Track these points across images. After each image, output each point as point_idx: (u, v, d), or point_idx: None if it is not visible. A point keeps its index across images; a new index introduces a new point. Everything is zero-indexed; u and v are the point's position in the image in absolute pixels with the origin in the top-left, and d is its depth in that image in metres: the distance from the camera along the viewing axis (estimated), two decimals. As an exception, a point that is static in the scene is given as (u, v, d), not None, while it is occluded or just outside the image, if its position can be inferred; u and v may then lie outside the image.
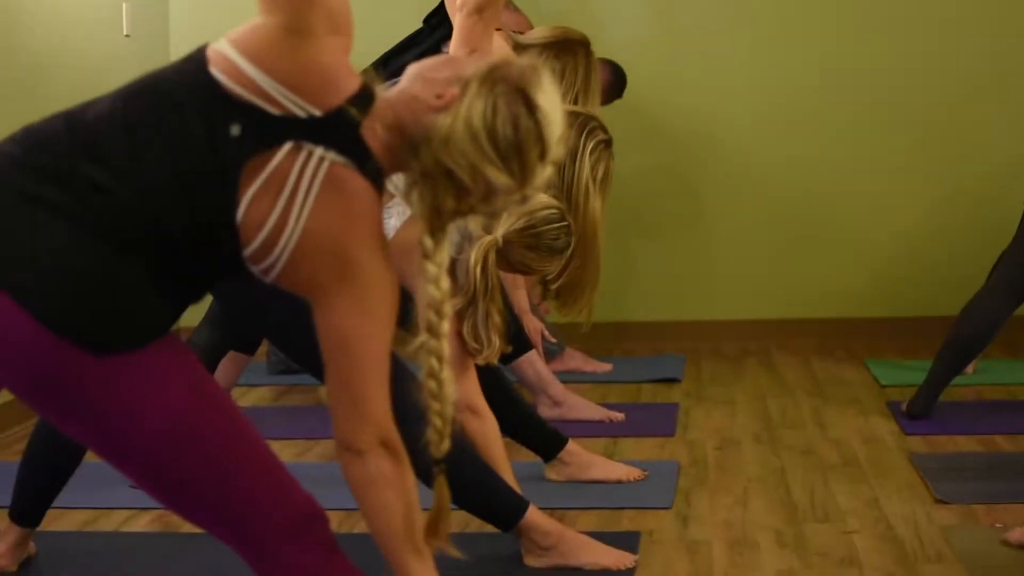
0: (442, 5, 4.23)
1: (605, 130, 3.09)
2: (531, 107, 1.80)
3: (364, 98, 1.83)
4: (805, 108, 5.24)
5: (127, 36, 4.79)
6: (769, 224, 5.28)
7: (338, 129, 1.80)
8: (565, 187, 2.98)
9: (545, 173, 1.83)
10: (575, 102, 3.26)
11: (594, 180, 3.04)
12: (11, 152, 1.80)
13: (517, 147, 1.79)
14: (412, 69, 1.89)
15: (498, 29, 3.22)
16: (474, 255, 2.75)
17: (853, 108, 5.21)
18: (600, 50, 4.81)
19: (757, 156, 5.27)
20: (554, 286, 2.96)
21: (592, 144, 3.05)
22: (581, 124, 3.01)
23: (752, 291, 5.32)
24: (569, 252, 2.88)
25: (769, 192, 5.27)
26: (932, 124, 5.19)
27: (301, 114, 1.78)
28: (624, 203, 4.92)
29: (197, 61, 1.81)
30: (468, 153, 1.78)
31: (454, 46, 2.69)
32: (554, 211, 2.81)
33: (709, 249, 5.32)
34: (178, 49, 5.23)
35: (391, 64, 4.15)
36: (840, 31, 5.22)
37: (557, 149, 1.83)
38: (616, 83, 4.68)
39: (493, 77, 1.81)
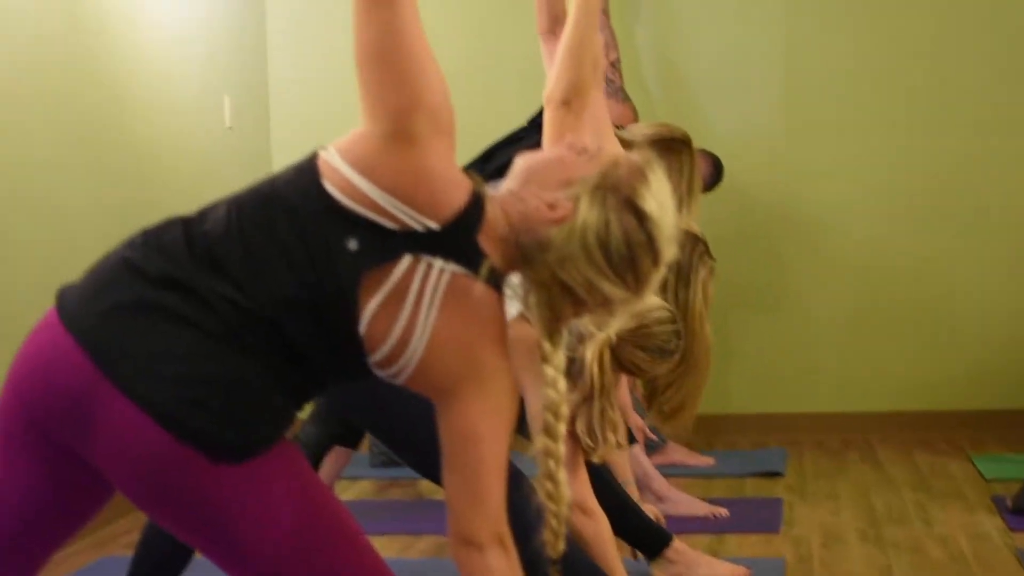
0: None
1: (708, 249, 3.13)
2: (641, 217, 1.82)
3: (477, 205, 1.84)
4: (907, 199, 5.22)
5: (229, 128, 4.90)
6: (871, 314, 5.25)
7: (455, 240, 1.81)
8: (679, 311, 3.01)
9: (659, 276, 1.86)
10: (679, 204, 3.29)
11: (705, 304, 3.08)
12: (131, 258, 1.82)
13: (631, 260, 1.82)
14: (521, 166, 1.91)
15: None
16: (590, 353, 2.77)
17: (957, 202, 5.19)
18: (708, 137, 4.91)
19: (859, 246, 5.26)
20: (665, 405, 2.99)
21: (703, 270, 3.10)
22: (691, 249, 3.05)
23: (853, 383, 5.28)
24: (678, 356, 2.91)
25: (871, 282, 5.25)
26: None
27: (418, 228, 1.79)
28: (726, 293, 4.92)
29: (310, 173, 1.82)
30: (583, 270, 1.81)
31: (546, 141, 2.70)
32: (665, 313, 2.84)
33: (810, 340, 5.29)
34: (279, 141, 5.35)
35: (496, 158, 4.22)
36: (946, 128, 5.20)
37: (669, 251, 1.85)
38: (715, 175, 4.72)
39: (604, 187, 1.83)
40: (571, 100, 2.67)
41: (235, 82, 4.99)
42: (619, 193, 1.82)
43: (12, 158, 3.37)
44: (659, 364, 2.88)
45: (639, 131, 3.37)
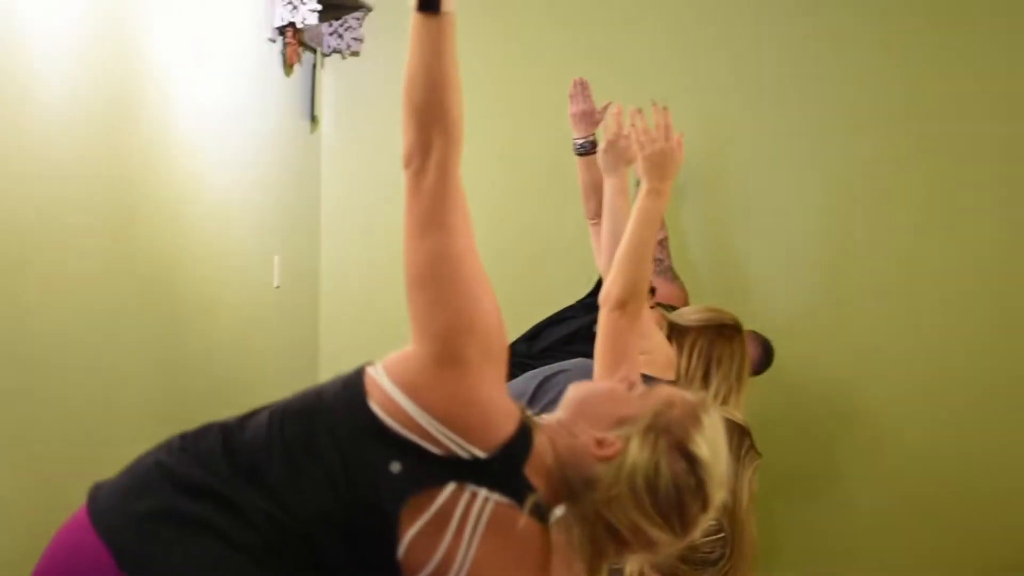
0: (599, 285, 4.36)
1: (754, 444, 3.12)
2: (693, 462, 1.84)
3: (525, 435, 1.85)
4: (962, 386, 5.18)
5: (277, 287, 4.98)
6: (917, 500, 5.19)
7: (502, 470, 1.81)
8: (724, 511, 2.99)
9: (706, 521, 1.87)
10: (727, 393, 3.29)
11: (750, 501, 3.06)
12: (166, 463, 1.85)
13: (679, 505, 1.83)
14: (572, 397, 1.94)
15: (652, 306, 3.28)
16: (628, 568, 2.75)
17: (1008, 372, 5.15)
18: (757, 315, 4.92)
19: (908, 430, 5.22)
20: None
21: (750, 467, 3.10)
22: (738, 444, 3.05)
23: (898, 572, 5.19)
24: (723, 564, 2.88)
25: (919, 467, 5.20)
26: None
27: (465, 456, 1.79)
28: (769, 477, 4.88)
29: (356, 391, 1.84)
30: (630, 512, 1.82)
31: (599, 343, 2.70)
32: (712, 523, 2.82)
33: (851, 525, 5.24)
34: (327, 301, 5.42)
35: (543, 337, 4.27)
36: (1009, 310, 5.20)
37: (718, 496, 1.87)
38: (765, 358, 4.70)
39: (655, 428, 1.84)
40: (627, 303, 2.69)
41: (286, 242, 5.08)
42: (671, 436, 1.84)
43: (67, 307, 3.41)
44: (704, 573, 2.85)
45: (689, 315, 3.38)
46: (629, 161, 3.11)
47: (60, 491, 3.31)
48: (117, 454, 3.66)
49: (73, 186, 3.44)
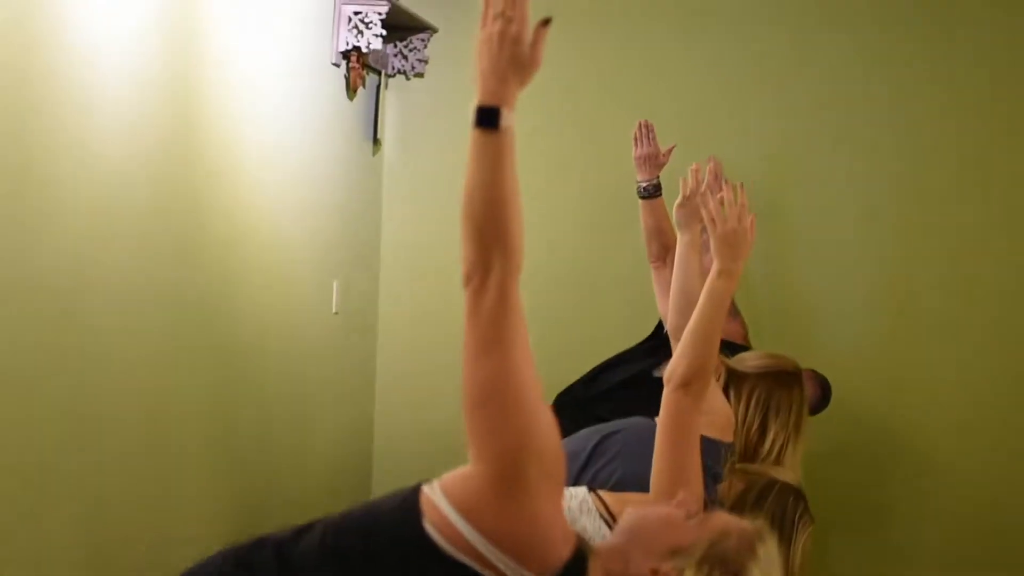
0: (659, 329, 4.32)
1: (808, 506, 3.08)
2: None
3: (580, 561, 1.84)
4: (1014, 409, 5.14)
5: (336, 313, 4.94)
6: (974, 541, 5.13)
7: None
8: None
9: None
10: (784, 443, 3.25)
11: (802, 565, 3.03)
12: (222, 573, 1.87)
13: None
14: (627, 522, 1.93)
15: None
16: None
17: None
18: (816, 354, 4.86)
19: (967, 471, 5.15)
20: None
21: (804, 531, 3.05)
22: (793, 507, 3.01)
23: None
24: None
25: (975, 508, 5.14)
26: None
27: None
28: (825, 513, 4.82)
29: (411, 510, 1.83)
30: None
31: (661, 422, 2.67)
32: None
33: (912, 565, 5.15)
34: (386, 327, 5.38)
35: (600, 380, 4.24)
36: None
37: None
38: (822, 398, 4.64)
39: (710, 560, 1.83)
40: (692, 383, 2.66)
41: (345, 267, 5.04)
42: (726, 568, 1.83)
43: (123, 341, 3.39)
44: None
45: (748, 361, 3.33)
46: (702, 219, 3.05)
47: (119, 531, 3.29)
48: (179, 494, 3.69)
49: (132, 216, 3.40)
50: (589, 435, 3.17)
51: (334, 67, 4.84)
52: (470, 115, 1.91)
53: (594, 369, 4.40)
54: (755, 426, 3.17)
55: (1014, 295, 5.17)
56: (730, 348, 3.63)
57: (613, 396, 4.15)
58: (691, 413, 2.62)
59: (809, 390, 3.87)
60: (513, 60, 1.88)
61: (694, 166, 2.93)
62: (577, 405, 4.17)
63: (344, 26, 4.80)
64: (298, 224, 4.58)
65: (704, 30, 5.36)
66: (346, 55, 4.87)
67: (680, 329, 2.83)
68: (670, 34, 5.39)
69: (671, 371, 2.68)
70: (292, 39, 4.49)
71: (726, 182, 2.80)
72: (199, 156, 3.79)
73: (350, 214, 5.12)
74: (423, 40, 5.42)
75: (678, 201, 3.19)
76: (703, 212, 2.79)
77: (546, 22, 1.90)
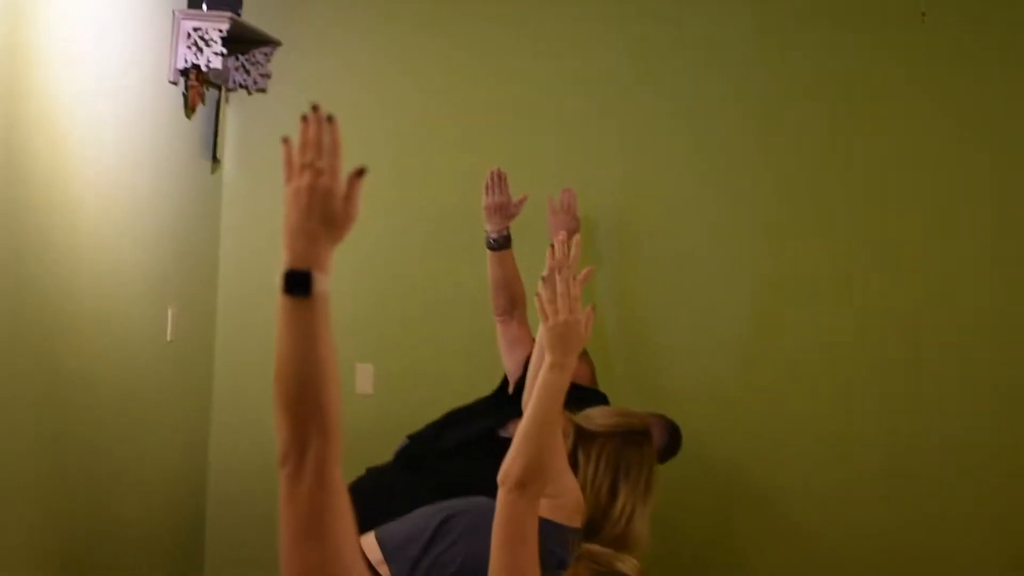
0: (504, 385, 4.29)
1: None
2: None
3: None
4: (863, 469, 5.23)
5: (170, 341, 4.82)
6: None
7: None
8: None
9: None
10: (634, 507, 3.23)
11: None
12: None
13: None
14: None
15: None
16: None
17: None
18: (663, 395, 4.88)
19: (816, 517, 5.21)
20: None
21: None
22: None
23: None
24: None
25: (826, 553, 5.20)
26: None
27: None
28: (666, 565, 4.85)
29: None
30: None
31: (496, 525, 2.62)
32: None
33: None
34: (223, 355, 5.27)
35: (444, 436, 4.18)
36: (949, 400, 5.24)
37: None
38: (671, 446, 4.66)
39: None
40: (528, 484, 2.61)
41: (181, 292, 4.92)
42: None
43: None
44: None
45: (597, 419, 3.31)
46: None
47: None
48: (4, 529, 3.54)
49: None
50: (430, 515, 3.12)
51: (171, 85, 4.72)
52: (276, 279, 1.80)
53: (437, 423, 4.36)
54: (605, 488, 3.14)
55: (876, 342, 5.30)
56: (577, 390, 3.61)
57: (456, 455, 4.12)
58: (528, 516, 2.57)
59: (657, 437, 3.87)
60: (325, 217, 1.80)
61: (560, 236, 2.86)
62: (418, 460, 4.14)
63: (183, 42, 4.69)
64: (132, 248, 4.46)
65: (554, 54, 5.35)
66: (184, 73, 4.75)
67: None
68: (529, 62, 5.36)
69: (505, 471, 2.63)
70: (126, 55, 4.36)
71: (559, 272, 2.72)
72: (26, 177, 3.65)
73: (187, 237, 5.00)
74: (265, 54, 5.32)
75: (544, 274, 3.08)
76: (536, 302, 2.73)
77: (360, 172, 1.81)
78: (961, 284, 5.27)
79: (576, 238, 2.83)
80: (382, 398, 5.33)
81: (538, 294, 2.72)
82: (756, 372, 5.30)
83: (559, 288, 2.70)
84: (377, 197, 5.27)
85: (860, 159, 5.31)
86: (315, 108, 1.80)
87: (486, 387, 4.73)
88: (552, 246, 2.78)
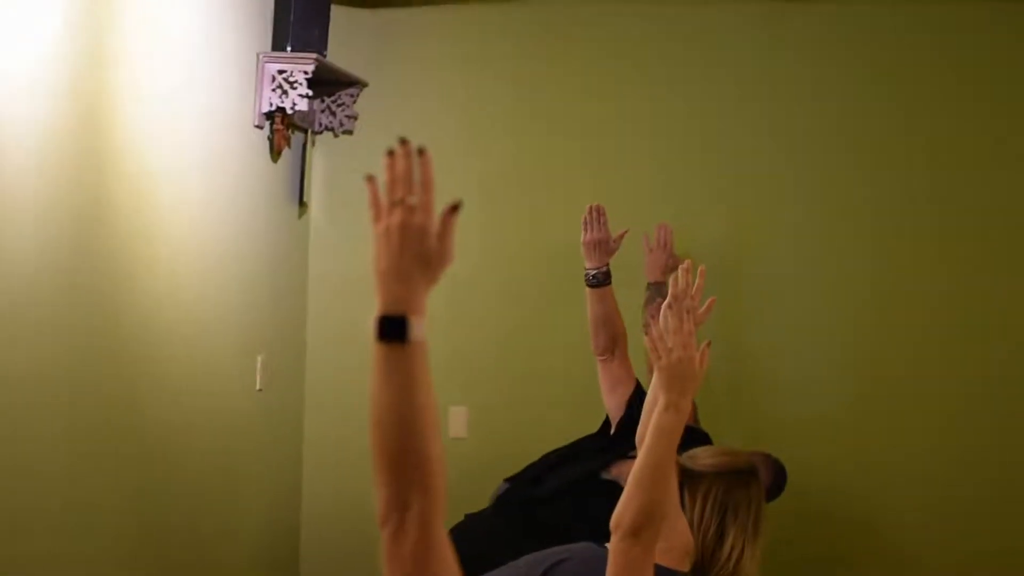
0: (606, 426, 4.23)
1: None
2: None
3: None
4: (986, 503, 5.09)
5: (259, 390, 4.78)
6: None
7: None
8: None
9: None
10: (743, 546, 3.14)
11: None
12: None
13: None
14: None
15: None
16: None
17: None
18: (769, 431, 4.78)
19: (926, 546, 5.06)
20: None
21: None
22: None
23: None
24: None
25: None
26: None
27: None
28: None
29: None
30: None
31: (610, 574, 2.54)
32: None
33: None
34: (313, 403, 5.23)
35: (545, 481, 4.10)
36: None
37: None
38: (776, 485, 4.55)
39: None
40: (642, 531, 2.54)
41: (270, 340, 4.88)
42: None
43: (33, 436, 3.20)
44: None
45: (702, 459, 3.22)
46: (698, 324, 2.89)
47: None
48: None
49: (40, 299, 3.24)
50: (533, 564, 3.03)
51: (257, 129, 4.69)
52: (369, 326, 1.71)
53: (536, 466, 4.28)
54: (712, 530, 3.06)
55: (987, 365, 5.17)
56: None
57: (558, 498, 4.03)
58: (643, 563, 2.50)
59: (764, 476, 3.77)
60: (419, 258, 1.71)
61: (686, 263, 2.77)
62: (519, 505, 4.05)
63: (268, 86, 4.67)
64: (220, 295, 4.44)
65: (660, 97, 5.29)
66: (270, 116, 4.72)
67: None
68: (623, 99, 5.31)
69: (618, 518, 2.54)
70: (212, 100, 4.35)
71: (669, 306, 2.62)
72: (113, 226, 3.63)
73: (275, 283, 4.97)
74: (352, 96, 5.28)
75: (665, 303, 2.98)
76: (645, 340, 2.63)
77: (455, 208, 1.71)
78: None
79: (701, 268, 2.73)
80: (477, 441, 5.26)
81: (648, 330, 2.62)
82: (863, 399, 5.19)
83: (672, 324, 2.59)
84: (469, 236, 5.25)
85: (962, 189, 5.19)
86: (403, 141, 1.71)
87: (583, 428, 4.65)
88: (675, 275, 2.69)
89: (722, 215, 5.26)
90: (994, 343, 5.18)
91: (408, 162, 1.72)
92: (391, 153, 1.72)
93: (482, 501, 4.97)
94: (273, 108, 4.68)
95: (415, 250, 1.70)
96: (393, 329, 1.69)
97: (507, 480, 4.40)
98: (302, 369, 5.30)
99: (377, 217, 1.74)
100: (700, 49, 5.33)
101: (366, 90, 5.31)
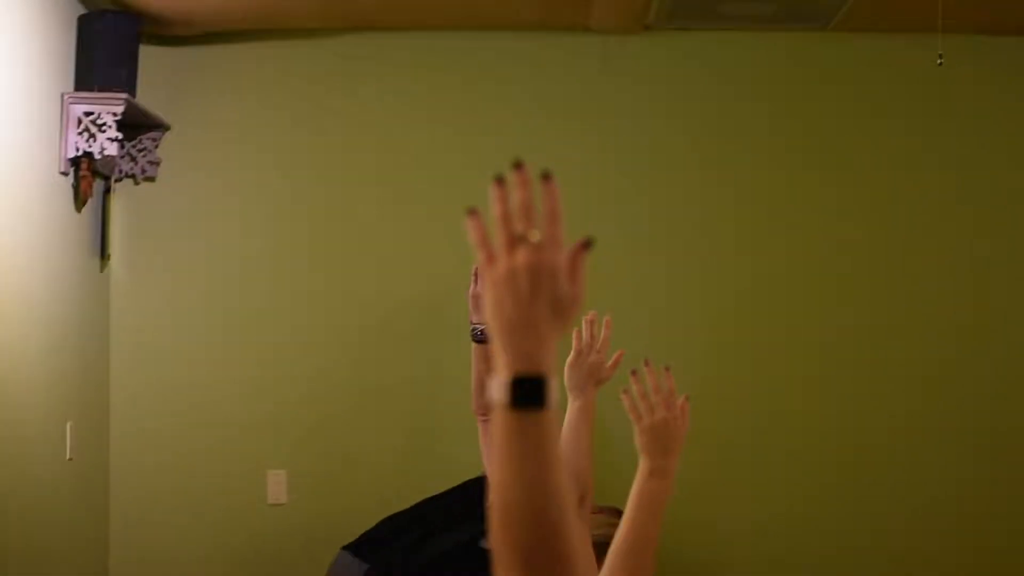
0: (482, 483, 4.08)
1: None
2: None
3: None
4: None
5: (70, 459, 4.46)
6: None
7: None
8: None
9: None
10: None
11: None
12: None
13: None
14: None
15: None
16: None
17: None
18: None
19: None
20: None
21: None
22: None
23: None
24: None
25: None
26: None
27: None
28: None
29: None
30: None
31: None
32: None
33: None
34: (118, 468, 4.94)
35: (426, 547, 3.93)
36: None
37: None
38: None
39: None
40: None
41: (78, 404, 4.58)
42: None
43: None
44: None
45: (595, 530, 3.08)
46: (600, 381, 2.75)
47: None
48: None
49: None
50: None
51: (62, 175, 4.39)
52: (495, 391, 1.44)
53: (411, 527, 4.08)
54: None
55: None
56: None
57: (441, 571, 3.84)
58: None
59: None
60: (552, 305, 1.44)
61: (589, 315, 2.64)
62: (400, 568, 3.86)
63: (73, 129, 4.38)
64: (26, 357, 4.14)
65: (469, 125, 5.17)
66: (75, 162, 4.43)
67: None
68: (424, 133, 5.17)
69: None
70: (13, 144, 4.03)
71: (646, 363, 2.47)
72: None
73: (80, 343, 4.66)
74: (154, 140, 5.03)
75: (569, 359, 2.82)
76: (624, 401, 2.46)
77: (587, 244, 1.46)
78: None
79: (607, 318, 2.61)
80: (298, 507, 5.02)
81: (625, 392, 2.45)
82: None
83: (650, 382, 2.43)
84: (285, 286, 5.05)
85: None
86: (518, 166, 1.44)
87: (417, 489, 4.48)
88: (578, 328, 2.56)
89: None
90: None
91: (527, 191, 1.45)
92: (499, 182, 1.45)
93: (306, 571, 4.77)
94: (80, 153, 4.40)
95: (548, 296, 1.44)
96: (531, 393, 1.42)
97: (346, 548, 4.20)
98: (107, 433, 4.98)
99: (489, 260, 1.45)
100: (530, 78, 5.26)
101: (168, 133, 5.05)
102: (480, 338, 4.08)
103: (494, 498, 1.44)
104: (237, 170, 5.13)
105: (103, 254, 4.91)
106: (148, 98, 4.87)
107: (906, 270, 5.27)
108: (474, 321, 4.12)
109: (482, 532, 3.88)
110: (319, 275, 5.10)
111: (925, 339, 5.26)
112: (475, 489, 4.18)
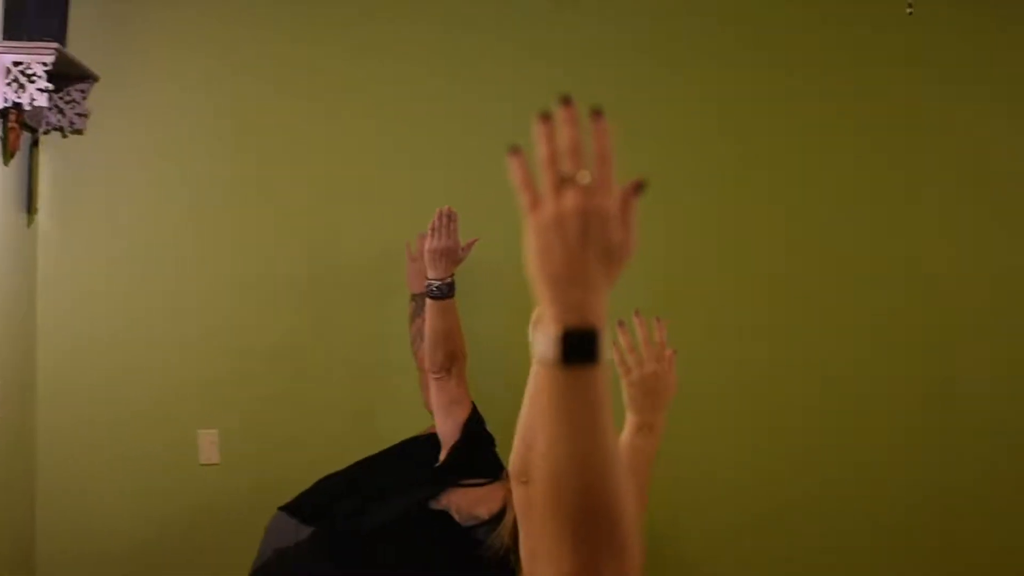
0: (436, 450, 4.06)
1: None
2: None
3: None
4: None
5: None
6: None
7: None
8: None
9: None
10: None
11: None
12: None
13: None
14: None
15: None
16: None
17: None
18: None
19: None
20: None
21: None
22: None
23: None
24: None
25: None
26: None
27: None
28: None
29: None
30: None
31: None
32: None
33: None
34: (46, 425, 4.87)
35: (371, 512, 3.88)
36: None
37: None
38: None
39: None
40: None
41: (3, 362, 4.49)
42: None
43: None
44: None
45: None
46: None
47: None
48: None
49: None
50: None
51: (-11, 127, 4.31)
52: (541, 346, 1.34)
53: (350, 489, 4.03)
54: None
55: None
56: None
57: (387, 536, 3.79)
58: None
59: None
60: (604, 252, 1.35)
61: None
62: (347, 542, 3.79)
63: (1, 79, 4.27)
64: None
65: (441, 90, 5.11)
66: (3, 113, 4.34)
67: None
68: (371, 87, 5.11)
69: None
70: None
71: (636, 314, 2.43)
72: None
73: (5, 299, 4.56)
74: (82, 91, 4.93)
75: (534, 316, 2.76)
76: (613, 353, 2.40)
77: (638, 186, 1.37)
78: None
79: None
80: (230, 467, 4.97)
81: (615, 343, 2.39)
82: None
83: (640, 333, 2.39)
84: (214, 241, 4.98)
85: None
86: (566, 101, 1.34)
87: (352, 449, 4.44)
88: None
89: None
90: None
91: (575, 129, 1.35)
92: (545, 119, 1.35)
93: (240, 530, 4.73)
94: (8, 104, 4.30)
95: (599, 243, 1.35)
96: (583, 347, 1.32)
97: (282, 508, 4.15)
98: (34, 392, 4.90)
99: (534, 204, 1.37)
100: (512, 36, 5.21)
101: (97, 85, 4.95)
102: (436, 294, 4.04)
103: (541, 466, 1.34)
104: (167, 123, 5.04)
105: (30, 209, 4.82)
106: (77, 48, 4.78)
107: (916, 264, 5.33)
108: (430, 277, 4.09)
109: (431, 494, 3.86)
110: (251, 229, 5.03)
111: (926, 337, 5.31)
112: (415, 448, 4.15)
